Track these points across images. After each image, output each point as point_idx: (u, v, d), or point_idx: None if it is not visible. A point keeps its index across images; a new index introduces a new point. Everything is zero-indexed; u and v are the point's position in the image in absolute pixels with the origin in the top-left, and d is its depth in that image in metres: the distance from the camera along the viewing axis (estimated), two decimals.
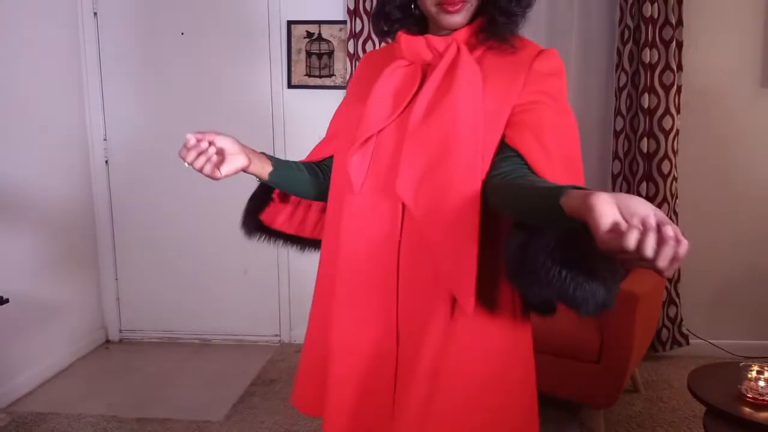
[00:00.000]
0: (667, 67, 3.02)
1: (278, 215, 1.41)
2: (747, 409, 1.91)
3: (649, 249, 0.70)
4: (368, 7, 3.16)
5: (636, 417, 2.69)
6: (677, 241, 0.70)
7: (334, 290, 1.22)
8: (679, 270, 3.19)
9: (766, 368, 1.98)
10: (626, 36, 3.05)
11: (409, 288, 1.17)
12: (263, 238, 1.40)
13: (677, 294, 3.20)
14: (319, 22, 3.32)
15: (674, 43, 3.01)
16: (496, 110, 1.11)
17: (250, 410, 2.80)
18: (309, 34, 3.33)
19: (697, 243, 3.29)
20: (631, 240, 0.71)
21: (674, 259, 0.70)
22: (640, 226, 0.71)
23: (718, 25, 3.12)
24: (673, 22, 3.00)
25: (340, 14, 3.27)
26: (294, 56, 3.35)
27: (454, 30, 1.17)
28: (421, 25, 1.24)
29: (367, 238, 1.19)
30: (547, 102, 1.12)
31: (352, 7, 3.17)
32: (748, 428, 1.87)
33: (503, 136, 1.11)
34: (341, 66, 3.33)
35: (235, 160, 1.21)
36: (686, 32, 3.05)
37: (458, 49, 1.14)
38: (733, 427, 1.90)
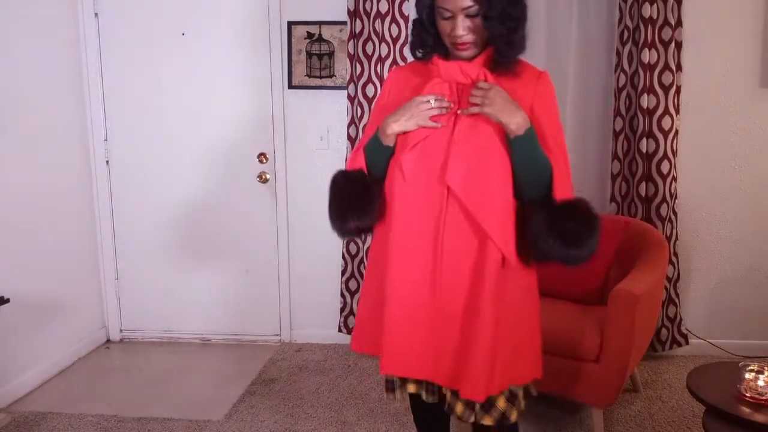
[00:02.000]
0: (667, 67, 3.03)
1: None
2: (746, 409, 1.91)
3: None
4: (368, 8, 3.17)
5: (635, 416, 2.70)
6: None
7: (388, 257, 1.64)
8: (678, 270, 3.20)
9: (765, 368, 1.98)
10: (625, 36, 3.06)
11: (449, 253, 1.60)
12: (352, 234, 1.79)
13: (677, 294, 3.21)
14: (320, 23, 3.32)
15: (673, 43, 3.02)
16: None
17: (251, 410, 2.81)
18: (309, 35, 3.34)
19: (697, 243, 3.30)
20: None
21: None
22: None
23: (717, 25, 3.12)
24: (673, 22, 3.00)
25: (340, 15, 3.27)
26: (294, 57, 3.35)
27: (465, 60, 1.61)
28: (448, 51, 1.64)
29: (417, 216, 1.61)
30: (547, 119, 1.61)
31: (352, 8, 3.17)
32: (747, 428, 1.88)
33: None
34: (342, 67, 3.34)
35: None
36: (685, 33, 3.06)
37: (485, 75, 1.58)
38: (732, 426, 1.90)
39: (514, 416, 1.71)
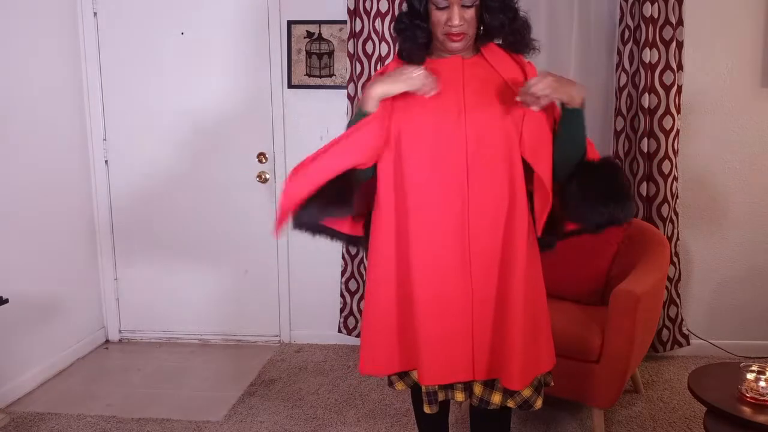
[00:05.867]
0: (668, 67, 3.02)
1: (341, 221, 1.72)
2: (747, 410, 1.90)
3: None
4: (368, 7, 3.16)
5: (636, 417, 2.69)
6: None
7: (410, 259, 1.62)
8: (679, 270, 3.19)
9: (766, 368, 1.98)
10: (626, 36, 3.05)
11: (478, 241, 1.61)
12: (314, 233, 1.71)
13: (678, 294, 3.20)
14: (320, 22, 3.32)
15: (674, 42, 3.01)
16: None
17: (250, 410, 2.80)
18: (309, 34, 3.33)
19: (698, 243, 3.29)
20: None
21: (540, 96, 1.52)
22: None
23: (718, 24, 3.11)
24: (674, 21, 2.99)
25: (340, 14, 3.26)
26: (294, 56, 3.35)
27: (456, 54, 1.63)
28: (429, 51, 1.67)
29: (438, 212, 1.61)
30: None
31: (352, 7, 3.17)
32: (749, 428, 1.87)
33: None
34: (341, 66, 3.33)
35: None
36: (687, 32, 3.05)
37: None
38: (733, 427, 1.90)
39: (539, 403, 1.74)
